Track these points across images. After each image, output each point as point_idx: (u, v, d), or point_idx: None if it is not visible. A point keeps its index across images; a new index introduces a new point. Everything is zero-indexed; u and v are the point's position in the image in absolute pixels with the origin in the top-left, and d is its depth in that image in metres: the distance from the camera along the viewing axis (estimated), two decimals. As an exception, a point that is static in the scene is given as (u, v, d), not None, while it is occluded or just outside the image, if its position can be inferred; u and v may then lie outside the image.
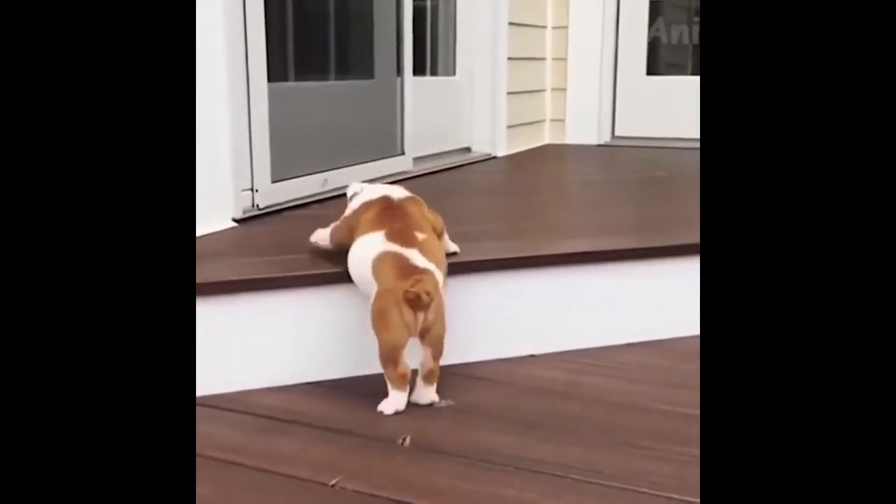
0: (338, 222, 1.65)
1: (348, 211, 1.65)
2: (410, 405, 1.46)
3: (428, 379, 1.47)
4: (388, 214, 1.53)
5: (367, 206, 1.59)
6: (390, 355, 1.42)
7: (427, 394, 1.48)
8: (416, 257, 1.42)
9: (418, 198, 1.63)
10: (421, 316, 1.39)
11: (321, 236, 1.69)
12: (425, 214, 1.60)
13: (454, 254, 1.69)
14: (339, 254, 1.60)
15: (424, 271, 1.40)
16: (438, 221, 1.63)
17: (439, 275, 1.44)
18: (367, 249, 1.47)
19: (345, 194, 1.74)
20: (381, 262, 1.44)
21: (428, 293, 1.37)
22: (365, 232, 1.51)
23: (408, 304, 1.38)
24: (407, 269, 1.40)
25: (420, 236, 1.47)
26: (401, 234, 1.47)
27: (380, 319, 1.41)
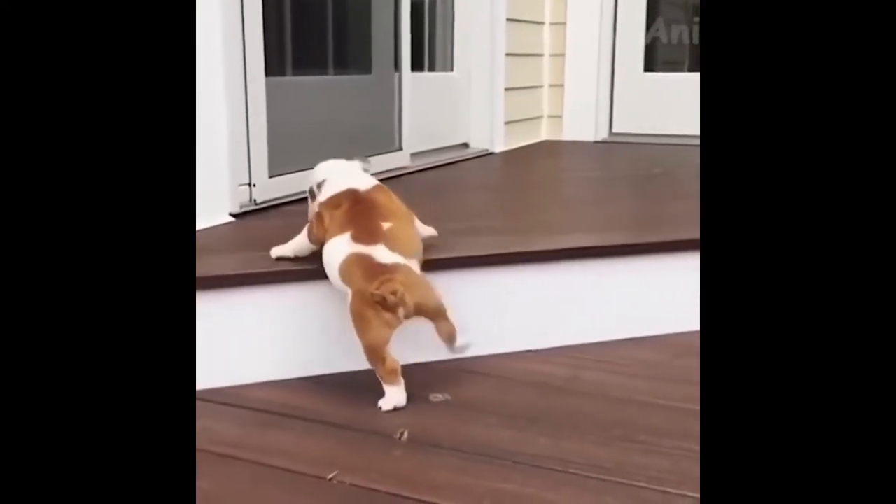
0: (310, 222, 1.60)
1: (315, 204, 1.61)
2: (408, 400, 1.46)
3: (450, 341, 1.47)
4: (355, 211, 1.51)
5: (334, 200, 1.56)
6: (375, 354, 1.42)
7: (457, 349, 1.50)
8: (381, 254, 1.42)
9: (384, 186, 1.62)
10: (400, 310, 1.38)
11: (281, 252, 1.64)
12: (393, 200, 1.58)
13: (431, 237, 1.70)
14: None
15: (391, 268, 1.40)
16: (403, 209, 1.60)
17: (411, 261, 1.45)
18: (335, 253, 1.47)
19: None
20: (348, 266, 1.44)
21: (394, 292, 1.37)
22: (334, 233, 1.50)
23: (378, 305, 1.38)
24: (373, 269, 1.40)
25: (385, 226, 1.47)
26: (366, 231, 1.46)
27: (358, 321, 1.42)
